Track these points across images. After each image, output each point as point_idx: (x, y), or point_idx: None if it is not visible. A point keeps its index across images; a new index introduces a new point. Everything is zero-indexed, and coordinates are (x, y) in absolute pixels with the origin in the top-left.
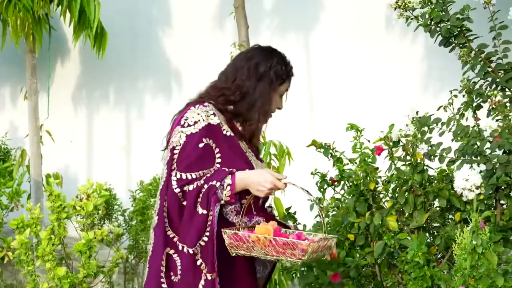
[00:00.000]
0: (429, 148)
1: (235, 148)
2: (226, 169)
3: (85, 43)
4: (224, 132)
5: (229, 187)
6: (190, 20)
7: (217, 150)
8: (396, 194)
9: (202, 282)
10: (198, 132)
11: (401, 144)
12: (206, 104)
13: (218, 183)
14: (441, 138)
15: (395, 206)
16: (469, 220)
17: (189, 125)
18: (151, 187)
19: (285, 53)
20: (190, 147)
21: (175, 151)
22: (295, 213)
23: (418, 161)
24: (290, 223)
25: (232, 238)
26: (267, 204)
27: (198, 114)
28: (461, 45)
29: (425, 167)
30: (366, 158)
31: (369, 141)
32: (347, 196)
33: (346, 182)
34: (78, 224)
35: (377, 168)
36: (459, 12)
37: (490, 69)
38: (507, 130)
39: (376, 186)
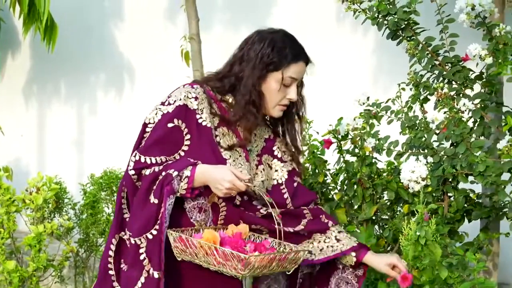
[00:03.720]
0: (377, 141)
1: (207, 138)
2: (191, 160)
3: (35, 36)
4: (199, 120)
5: (186, 179)
6: (142, 13)
7: (188, 136)
8: (345, 187)
9: (142, 279)
10: (172, 111)
11: (349, 137)
12: (195, 86)
13: (176, 173)
14: (389, 131)
15: (343, 199)
16: (415, 212)
17: (169, 104)
18: (102, 180)
19: (292, 36)
20: (159, 126)
21: (147, 129)
22: None
23: (367, 154)
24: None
25: (177, 241)
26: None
27: (180, 93)
28: (408, 38)
29: (373, 160)
30: (315, 151)
31: (318, 133)
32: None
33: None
34: (28, 217)
35: (326, 161)
36: (406, 5)
37: (437, 62)
38: (453, 122)
39: (325, 178)
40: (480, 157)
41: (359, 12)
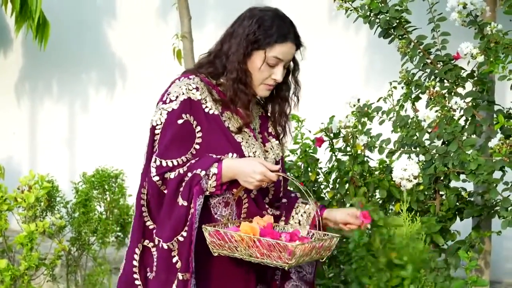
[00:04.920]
0: (369, 139)
1: (217, 126)
2: (214, 156)
3: (27, 34)
4: (206, 109)
5: (214, 177)
6: (134, 11)
7: (198, 128)
8: (337, 185)
9: (176, 282)
10: (178, 107)
11: (341, 135)
12: (191, 76)
13: (203, 172)
14: (381, 130)
15: (336, 197)
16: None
17: (171, 101)
18: (94, 179)
19: (283, 16)
20: (169, 125)
21: (156, 131)
22: None
23: (359, 152)
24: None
25: (213, 236)
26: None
27: (180, 87)
28: (400, 37)
29: (365, 158)
30: (307, 149)
31: (310, 131)
32: (289, 188)
33: (288, 173)
34: (20, 216)
35: (318, 159)
36: (398, 4)
37: (429, 61)
38: (445, 121)
39: (317, 177)
40: (472, 156)
41: (351, 10)
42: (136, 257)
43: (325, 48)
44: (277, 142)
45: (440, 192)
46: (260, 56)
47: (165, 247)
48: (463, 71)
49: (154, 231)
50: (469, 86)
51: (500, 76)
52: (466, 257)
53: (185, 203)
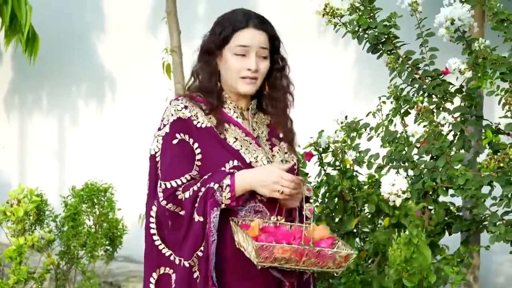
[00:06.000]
0: (358, 154)
1: (212, 137)
2: (226, 170)
3: (16, 47)
4: (198, 124)
5: (228, 188)
6: (124, 25)
7: (195, 145)
8: (326, 200)
9: None
10: (170, 130)
11: (330, 150)
12: (179, 98)
13: (216, 185)
14: (370, 144)
15: (324, 212)
16: (400, 224)
17: (164, 126)
18: (83, 192)
19: (237, 9)
20: (166, 148)
21: (157, 159)
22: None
23: (347, 167)
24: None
25: (262, 250)
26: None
27: (169, 111)
28: (388, 52)
29: (354, 173)
30: None
31: (299, 146)
32: None
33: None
34: (9, 230)
35: (307, 174)
36: (386, 19)
37: (417, 76)
38: (433, 136)
39: None
40: (460, 171)
41: (339, 25)
42: (152, 286)
43: (314, 63)
44: (286, 144)
45: (429, 207)
46: (229, 51)
47: (187, 265)
48: (451, 86)
49: (172, 257)
50: (457, 101)
51: (488, 91)
52: (452, 272)
53: (201, 218)
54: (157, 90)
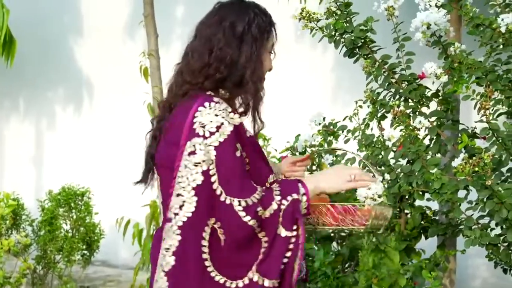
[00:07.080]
0: (334, 158)
1: (258, 149)
2: (288, 178)
3: None
4: (246, 133)
5: (305, 197)
6: (101, 29)
7: (244, 154)
8: None
9: None
10: (228, 139)
11: (307, 153)
12: (216, 99)
13: (299, 196)
14: (346, 148)
15: None
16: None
17: (211, 134)
18: (60, 196)
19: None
20: (228, 160)
21: (211, 172)
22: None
23: None
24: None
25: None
26: None
27: (217, 115)
28: (365, 56)
29: None
30: None
31: (276, 150)
32: None
33: None
34: None
35: None
36: (362, 24)
37: (393, 80)
38: (409, 140)
39: None
40: (436, 175)
41: (316, 30)
42: None
43: (292, 67)
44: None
45: (405, 211)
46: (268, 46)
47: (270, 285)
48: (427, 90)
49: (227, 283)
50: (433, 105)
51: (464, 96)
52: (429, 277)
53: (289, 233)
54: (134, 94)
